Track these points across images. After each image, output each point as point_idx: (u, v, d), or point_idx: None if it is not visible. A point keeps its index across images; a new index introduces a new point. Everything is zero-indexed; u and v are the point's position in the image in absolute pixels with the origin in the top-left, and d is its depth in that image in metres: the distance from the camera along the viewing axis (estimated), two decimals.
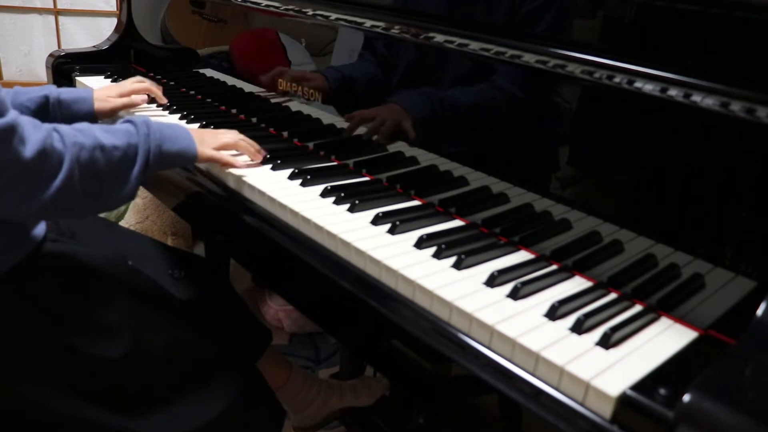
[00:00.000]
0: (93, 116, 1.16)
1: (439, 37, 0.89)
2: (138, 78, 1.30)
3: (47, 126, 0.76)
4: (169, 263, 1.06)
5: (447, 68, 0.91)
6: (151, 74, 1.59)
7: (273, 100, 1.23)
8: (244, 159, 0.99)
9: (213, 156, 0.95)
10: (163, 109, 1.29)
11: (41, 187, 0.74)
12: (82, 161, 0.77)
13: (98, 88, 1.21)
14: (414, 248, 0.75)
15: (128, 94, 1.23)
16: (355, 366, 1.46)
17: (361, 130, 1.04)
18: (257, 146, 1.01)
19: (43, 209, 0.76)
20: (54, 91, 1.11)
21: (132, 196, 0.85)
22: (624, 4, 0.71)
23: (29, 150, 0.71)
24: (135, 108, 1.25)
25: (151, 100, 1.30)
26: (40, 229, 0.88)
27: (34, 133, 0.73)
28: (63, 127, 0.78)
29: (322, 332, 1.74)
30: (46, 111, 1.10)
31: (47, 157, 0.73)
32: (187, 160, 0.93)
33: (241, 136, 1.00)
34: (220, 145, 0.96)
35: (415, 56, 0.96)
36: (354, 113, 1.04)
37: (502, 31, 0.83)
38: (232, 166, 0.97)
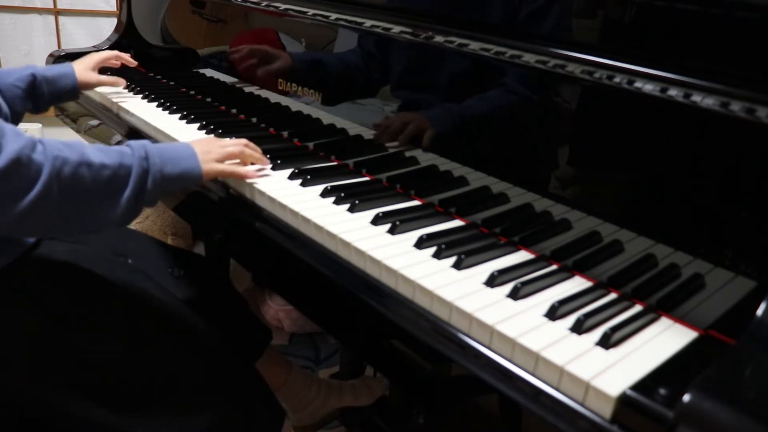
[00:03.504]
0: (77, 90, 1.23)
1: (439, 37, 0.89)
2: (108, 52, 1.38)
3: (30, 137, 0.72)
4: (169, 262, 1.06)
5: (446, 69, 0.91)
6: (151, 74, 1.59)
7: (273, 100, 1.23)
8: (254, 167, 0.95)
9: (221, 170, 0.90)
10: (163, 109, 1.29)
11: (13, 199, 0.69)
12: (63, 176, 0.72)
13: (76, 62, 1.27)
14: (414, 248, 0.75)
15: (102, 63, 1.33)
16: (355, 366, 1.46)
17: (366, 131, 1.04)
18: (259, 150, 0.97)
19: (17, 223, 0.71)
20: (38, 70, 1.14)
21: (127, 221, 0.80)
22: (624, 4, 0.71)
23: (1, 159, 0.67)
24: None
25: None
26: None
27: (12, 142, 0.69)
28: (48, 140, 0.74)
29: (322, 332, 1.74)
30: (34, 89, 1.13)
31: (22, 167, 0.69)
32: (192, 182, 0.87)
33: (245, 141, 0.96)
34: (226, 155, 0.91)
35: (415, 56, 0.96)
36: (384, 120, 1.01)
37: (502, 31, 0.83)
38: (245, 177, 0.92)
